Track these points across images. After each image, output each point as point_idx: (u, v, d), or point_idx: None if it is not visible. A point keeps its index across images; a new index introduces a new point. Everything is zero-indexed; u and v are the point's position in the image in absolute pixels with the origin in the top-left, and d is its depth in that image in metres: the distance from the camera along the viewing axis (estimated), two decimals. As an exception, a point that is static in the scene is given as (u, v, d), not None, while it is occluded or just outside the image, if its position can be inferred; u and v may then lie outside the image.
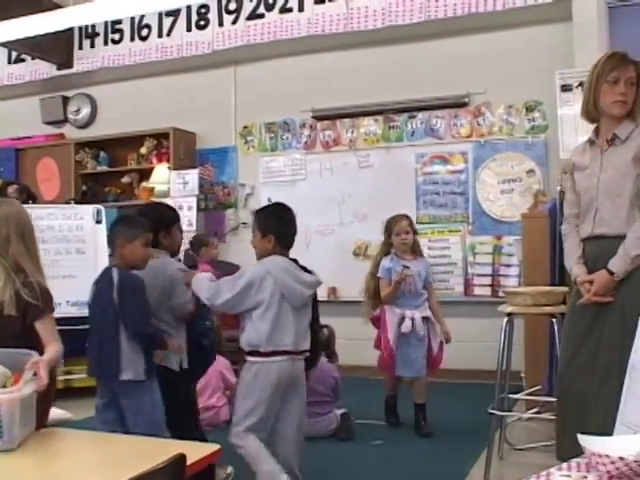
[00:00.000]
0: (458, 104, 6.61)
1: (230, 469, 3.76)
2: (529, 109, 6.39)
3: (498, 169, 6.45)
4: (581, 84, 5.66)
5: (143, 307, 3.30)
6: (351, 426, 4.70)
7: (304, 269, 3.49)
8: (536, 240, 5.21)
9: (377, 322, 4.93)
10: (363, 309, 5.07)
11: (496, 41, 6.47)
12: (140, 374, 3.24)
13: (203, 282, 3.40)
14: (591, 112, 3.22)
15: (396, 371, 4.81)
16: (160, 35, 7.30)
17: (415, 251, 4.93)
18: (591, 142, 3.24)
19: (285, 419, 3.37)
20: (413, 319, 4.74)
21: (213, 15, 7.09)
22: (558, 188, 5.21)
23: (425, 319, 4.79)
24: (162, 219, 3.58)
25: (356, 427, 4.75)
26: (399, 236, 4.83)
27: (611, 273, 3.03)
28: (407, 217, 4.97)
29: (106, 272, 3.36)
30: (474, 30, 6.47)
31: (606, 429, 2.94)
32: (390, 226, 4.91)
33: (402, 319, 4.74)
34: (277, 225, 3.51)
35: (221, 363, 5.07)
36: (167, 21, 7.28)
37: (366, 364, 6.05)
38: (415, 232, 4.94)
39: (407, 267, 4.73)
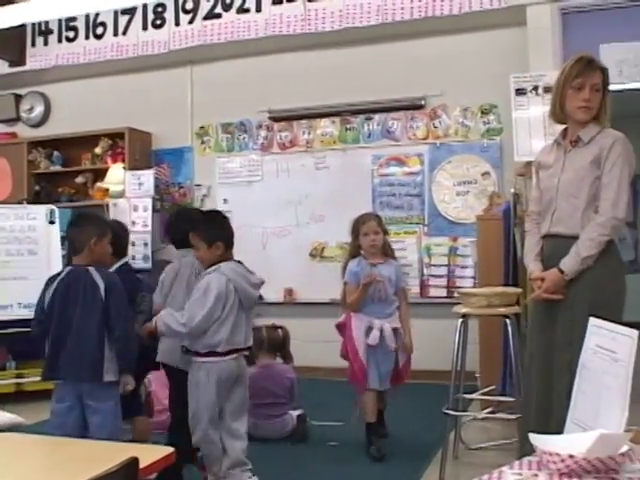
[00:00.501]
0: (414, 106, 6.65)
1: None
2: (484, 112, 6.46)
3: (454, 171, 6.51)
4: (535, 88, 5.77)
5: (129, 309, 3.37)
6: (307, 428, 4.70)
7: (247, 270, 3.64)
8: (490, 241, 5.27)
9: (342, 329, 4.46)
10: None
11: (452, 44, 6.53)
12: (117, 375, 3.31)
13: (168, 317, 3.46)
14: (558, 114, 3.28)
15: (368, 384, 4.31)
16: (116, 34, 7.21)
17: (386, 253, 4.49)
18: (557, 143, 3.30)
19: (229, 412, 3.53)
20: (382, 330, 4.27)
21: (170, 14, 7.03)
22: (512, 190, 5.29)
23: (394, 330, 4.34)
24: (195, 222, 3.72)
25: (312, 429, 4.75)
26: (367, 237, 4.38)
27: (562, 272, 3.09)
28: (376, 216, 4.58)
29: (80, 271, 3.33)
30: (431, 33, 6.51)
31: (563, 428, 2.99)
32: (357, 226, 4.46)
33: (369, 329, 4.28)
34: (221, 231, 3.60)
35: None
36: (123, 19, 7.20)
37: (322, 365, 6.06)
38: (385, 232, 4.50)
39: (374, 266, 4.32)
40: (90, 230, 3.40)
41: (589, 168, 3.09)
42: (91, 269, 3.32)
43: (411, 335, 4.44)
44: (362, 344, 4.28)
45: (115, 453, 1.88)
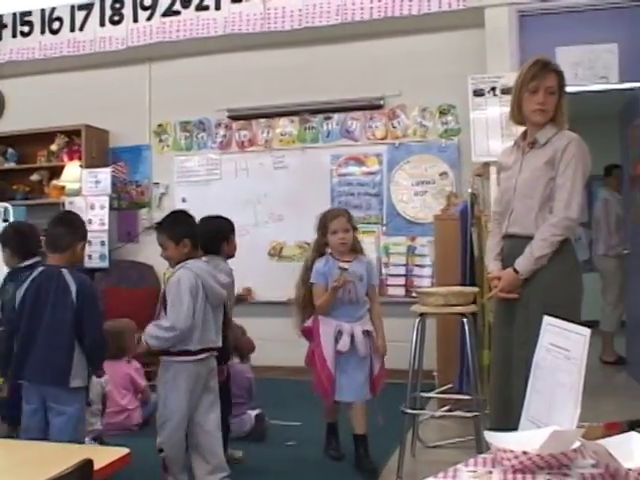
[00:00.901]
0: (373, 106, 6.67)
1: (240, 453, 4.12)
2: (443, 112, 6.50)
3: (412, 171, 6.54)
4: (493, 89, 5.83)
5: (100, 313, 3.35)
6: (265, 427, 4.69)
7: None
8: (448, 241, 5.32)
9: (309, 334, 4.11)
10: (294, 320, 4.24)
11: (411, 45, 6.57)
12: (85, 381, 3.31)
13: (152, 329, 3.44)
14: (516, 116, 3.34)
15: (335, 395, 3.99)
16: (72, 29, 7.10)
17: (355, 249, 4.13)
18: (517, 144, 3.36)
19: (202, 411, 3.54)
20: (353, 335, 3.95)
21: (128, 10, 6.95)
22: (469, 190, 5.34)
23: (366, 333, 4.02)
24: (224, 229, 4.12)
25: (270, 428, 4.74)
26: (336, 235, 4.01)
27: (516, 272, 3.14)
28: (346, 212, 4.18)
29: (53, 272, 3.30)
30: (390, 33, 6.54)
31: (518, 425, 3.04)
32: (325, 223, 4.07)
33: (339, 333, 3.95)
34: (187, 229, 3.60)
35: (129, 367, 4.96)
36: (80, 15, 7.09)
37: (280, 365, 6.06)
38: (355, 228, 4.14)
39: (345, 269, 3.94)
40: (80, 233, 3.44)
41: (543, 169, 3.15)
42: (64, 271, 3.29)
43: (384, 337, 4.11)
44: (331, 351, 3.92)
45: (70, 455, 1.86)
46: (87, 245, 6.70)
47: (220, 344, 3.63)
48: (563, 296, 3.06)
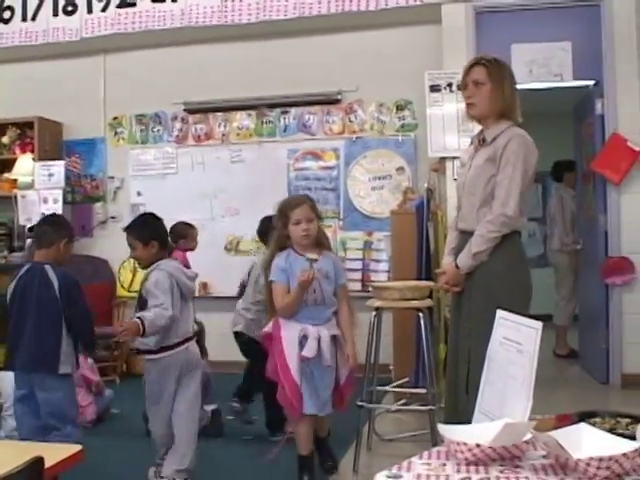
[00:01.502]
0: (330, 101, 6.68)
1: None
2: (399, 108, 6.53)
3: (369, 166, 6.56)
4: (449, 85, 5.88)
5: (84, 304, 3.60)
6: (221, 422, 4.67)
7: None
8: (404, 236, 5.35)
9: (269, 341, 3.62)
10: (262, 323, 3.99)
11: (368, 40, 6.58)
12: (74, 368, 3.61)
13: (148, 315, 3.43)
14: (469, 114, 3.39)
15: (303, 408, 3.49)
16: (24, 19, 6.97)
17: (321, 243, 3.62)
18: (472, 142, 3.43)
19: (181, 400, 3.60)
20: (319, 339, 3.47)
21: (81, 1, 6.84)
22: (425, 185, 5.38)
23: (334, 339, 3.55)
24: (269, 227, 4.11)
25: (227, 423, 4.72)
26: (299, 225, 3.49)
27: (457, 267, 3.23)
28: (309, 199, 3.67)
29: (37, 269, 3.56)
30: (347, 28, 6.54)
31: (464, 416, 3.09)
32: (286, 212, 3.55)
33: (304, 338, 3.47)
34: (155, 230, 3.71)
35: (80, 364, 4.85)
36: (32, 4, 6.95)
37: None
38: (320, 218, 3.64)
39: (315, 260, 3.43)
40: (63, 231, 3.68)
41: (485, 167, 3.20)
42: (47, 267, 3.54)
43: (355, 344, 3.61)
44: (295, 359, 3.45)
45: (20, 453, 1.83)
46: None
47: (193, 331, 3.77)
48: (505, 290, 3.11)
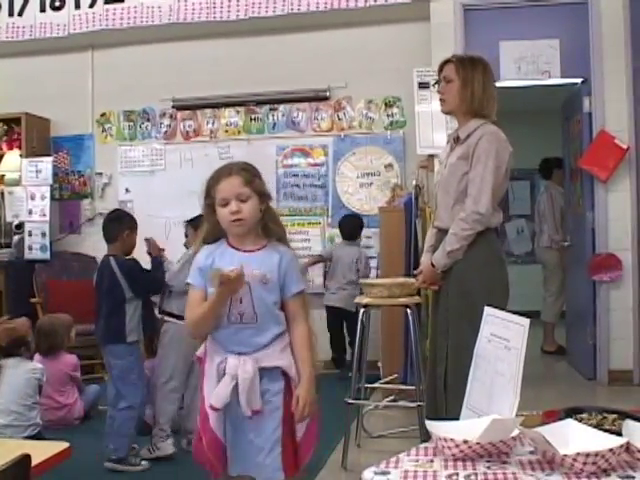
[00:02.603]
0: (319, 98, 6.68)
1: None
2: (388, 105, 6.54)
3: (357, 163, 6.57)
4: (437, 82, 5.87)
5: (152, 275, 4.20)
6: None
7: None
8: (393, 233, 5.35)
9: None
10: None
11: (357, 37, 6.59)
12: (140, 335, 4.11)
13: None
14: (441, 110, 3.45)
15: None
16: (11, 14, 6.92)
17: (268, 233, 2.45)
18: (449, 140, 3.45)
19: (191, 387, 3.99)
20: (237, 378, 2.31)
21: (69, -4, 6.81)
22: (414, 182, 5.39)
23: (273, 372, 2.38)
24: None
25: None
26: (226, 207, 2.37)
27: (433, 265, 3.26)
28: (243, 169, 2.43)
29: (105, 261, 4.12)
30: (336, 25, 6.54)
31: (443, 411, 3.14)
32: (209, 189, 2.46)
33: (223, 372, 2.35)
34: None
35: (64, 362, 4.86)
36: (19, -1, 6.93)
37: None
38: (264, 195, 2.43)
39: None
40: (124, 224, 4.15)
41: (457, 165, 3.24)
42: (111, 258, 4.07)
43: (312, 381, 2.41)
44: (215, 399, 2.36)
45: (7, 451, 1.82)
46: (28, 236, 6.65)
47: None
48: (481, 287, 3.14)
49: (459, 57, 3.37)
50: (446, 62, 3.36)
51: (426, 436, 3.23)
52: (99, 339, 4.18)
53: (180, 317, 3.83)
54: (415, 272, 3.50)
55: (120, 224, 4.16)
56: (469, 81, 3.26)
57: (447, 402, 3.13)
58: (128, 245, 4.15)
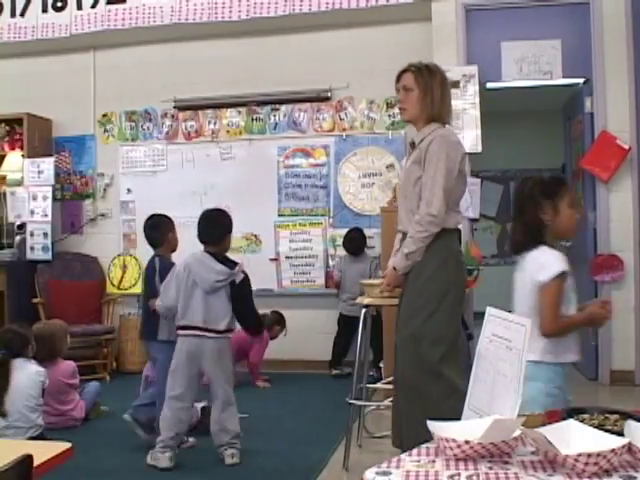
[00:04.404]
0: (321, 98, 6.68)
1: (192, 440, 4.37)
2: (389, 105, 6.53)
3: (359, 163, 6.57)
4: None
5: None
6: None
7: (226, 260, 4.09)
8: (394, 233, 5.33)
9: None
10: None
11: (359, 37, 6.59)
12: (172, 336, 4.10)
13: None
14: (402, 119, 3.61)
15: None
16: (13, 14, 6.93)
17: None
18: (409, 146, 3.56)
19: (213, 389, 4.03)
20: None
21: (71, -3, 6.82)
22: (415, 183, 5.37)
23: None
24: None
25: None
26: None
27: (394, 268, 3.32)
28: None
29: (150, 261, 4.40)
30: (338, 26, 6.55)
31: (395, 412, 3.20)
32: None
33: None
34: (198, 227, 4.19)
35: (61, 371, 4.75)
36: (20, 0, 6.93)
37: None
38: None
39: None
40: (165, 227, 4.41)
41: (412, 169, 3.31)
42: (156, 259, 4.34)
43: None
44: None
45: (9, 451, 1.82)
46: (29, 237, 6.65)
47: (220, 327, 4.00)
48: (436, 287, 3.20)
49: (417, 66, 3.42)
50: (404, 71, 3.42)
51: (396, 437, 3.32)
52: (140, 334, 4.60)
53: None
54: (382, 275, 3.55)
55: (162, 230, 4.40)
56: (428, 89, 3.33)
57: (399, 405, 3.31)
58: (173, 245, 4.44)
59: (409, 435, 3.14)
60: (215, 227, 4.15)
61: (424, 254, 3.21)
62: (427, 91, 3.32)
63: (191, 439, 4.35)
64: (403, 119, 3.51)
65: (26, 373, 4.17)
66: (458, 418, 1.83)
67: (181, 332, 4.00)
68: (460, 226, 3.52)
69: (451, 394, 3.02)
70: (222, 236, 4.14)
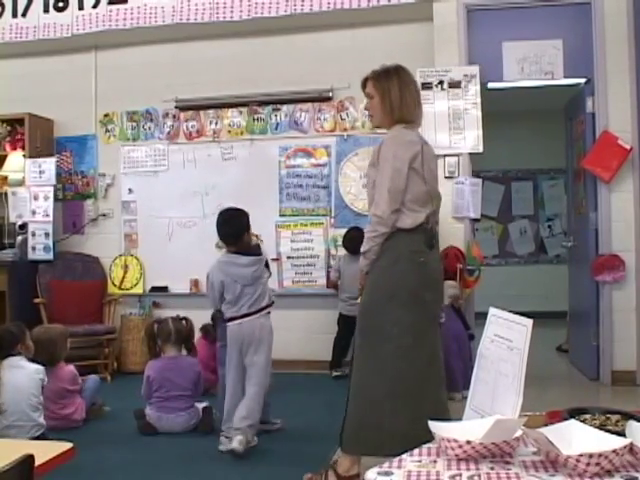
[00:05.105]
0: (322, 98, 6.68)
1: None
2: (391, 105, 6.52)
3: (360, 163, 6.56)
4: (441, 82, 5.89)
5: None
6: (213, 419, 4.66)
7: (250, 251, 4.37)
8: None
9: None
10: None
11: (360, 37, 6.59)
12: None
13: None
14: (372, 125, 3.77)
15: None
16: (15, 15, 6.93)
17: None
18: None
19: (253, 365, 4.25)
20: None
21: (72, -3, 6.82)
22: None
23: None
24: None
25: (218, 421, 4.70)
26: None
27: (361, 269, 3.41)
28: None
29: None
30: (339, 26, 6.55)
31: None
32: None
33: None
34: (217, 230, 4.40)
35: (62, 377, 4.69)
36: (22, 0, 6.93)
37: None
38: None
39: None
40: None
41: (369, 173, 3.39)
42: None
43: None
44: None
45: (11, 451, 1.82)
46: (31, 237, 6.65)
47: (264, 304, 4.33)
48: (382, 287, 3.27)
49: (375, 72, 3.47)
50: (366, 79, 3.48)
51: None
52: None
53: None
54: None
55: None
56: (386, 94, 3.38)
57: (348, 405, 3.40)
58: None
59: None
60: (232, 227, 4.34)
61: (379, 253, 3.28)
62: (385, 95, 3.37)
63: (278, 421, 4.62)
64: (372, 125, 3.62)
65: (26, 372, 4.17)
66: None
67: (230, 323, 4.29)
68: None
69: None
70: (240, 235, 4.32)
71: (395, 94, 3.36)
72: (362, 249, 3.31)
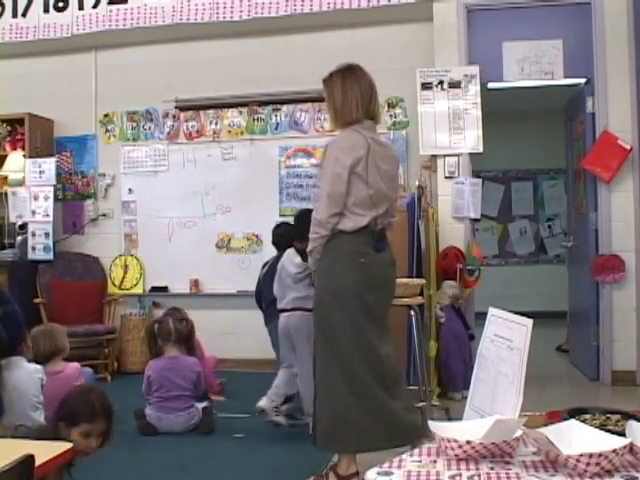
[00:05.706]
0: (322, 98, 6.61)
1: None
2: (391, 105, 6.53)
3: (360, 163, 6.56)
4: (441, 82, 5.89)
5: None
6: (212, 419, 4.66)
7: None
8: (395, 233, 5.32)
9: None
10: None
11: (360, 37, 6.59)
12: None
13: None
14: None
15: None
16: (15, 15, 6.93)
17: None
18: None
19: (299, 359, 4.42)
20: None
21: (72, -3, 6.82)
22: (417, 183, 5.38)
23: None
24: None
25: (218, 421, 4.71)
26: None
27: None
28: None
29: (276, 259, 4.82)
30: (339, 25, 6.55)
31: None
32: None
33: None
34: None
35: (68, 375, 4.52)
36: (22, 0, 6.93)
37: (228, 357, 6.03)
38: None
39: None
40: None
41: (318, 176, 3.48)
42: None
43: None
44: None
45: (11, 451, 1.82)
46: (31, 237, 6.65)
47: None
48: (323, 288, 3.33)
49: (327, 76, 3.50)
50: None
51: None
52: None
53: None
54: None
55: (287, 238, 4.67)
56: (330, 97, 3.43)
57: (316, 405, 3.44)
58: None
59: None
60: (300, 225, 4.36)
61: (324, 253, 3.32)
62: (329, 100, 3.42)
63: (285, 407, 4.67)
64: (331, 127, 3.71)
65: (25, 372, 4.16)
66: None
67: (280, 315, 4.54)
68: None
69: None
70: (304, 234, 4.24)
71: (337, 96, 3.37)
72: (307, 249, 3.37)
